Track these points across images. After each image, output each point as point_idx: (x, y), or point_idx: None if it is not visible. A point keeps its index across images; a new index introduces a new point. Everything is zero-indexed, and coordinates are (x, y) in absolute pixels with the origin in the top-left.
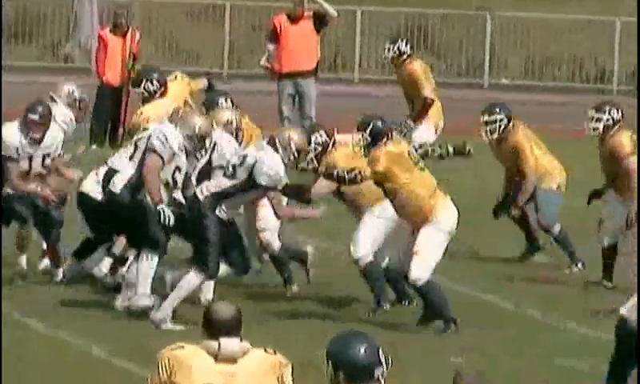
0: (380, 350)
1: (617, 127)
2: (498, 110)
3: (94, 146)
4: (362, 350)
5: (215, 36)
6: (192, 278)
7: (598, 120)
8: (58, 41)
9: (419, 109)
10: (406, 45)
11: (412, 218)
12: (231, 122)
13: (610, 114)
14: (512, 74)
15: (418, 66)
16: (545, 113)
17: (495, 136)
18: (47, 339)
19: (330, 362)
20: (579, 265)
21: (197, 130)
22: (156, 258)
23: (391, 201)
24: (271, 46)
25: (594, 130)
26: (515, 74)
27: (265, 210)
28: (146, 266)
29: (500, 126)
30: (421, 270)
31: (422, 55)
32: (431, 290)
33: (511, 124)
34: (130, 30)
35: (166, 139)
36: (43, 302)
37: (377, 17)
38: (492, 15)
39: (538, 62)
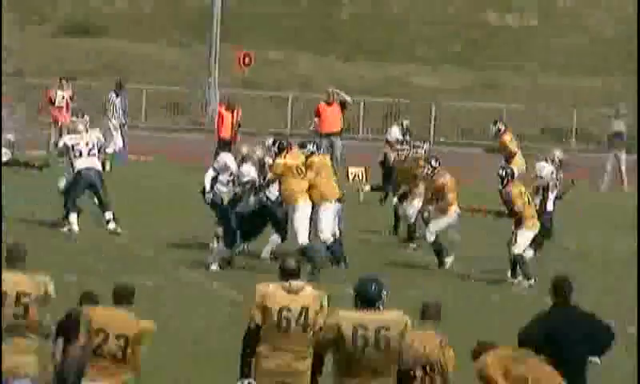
0: (383, 289)
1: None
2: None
3: None
4: (371, 287)
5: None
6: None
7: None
8: (195, 111)
9: None
10: None
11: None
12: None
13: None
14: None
15: None
16: None
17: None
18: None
19: (353, 291)
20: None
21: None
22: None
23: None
24: (316, 119)
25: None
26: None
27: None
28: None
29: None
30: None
31: None
32: (309, 248)
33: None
34: (236, 107)
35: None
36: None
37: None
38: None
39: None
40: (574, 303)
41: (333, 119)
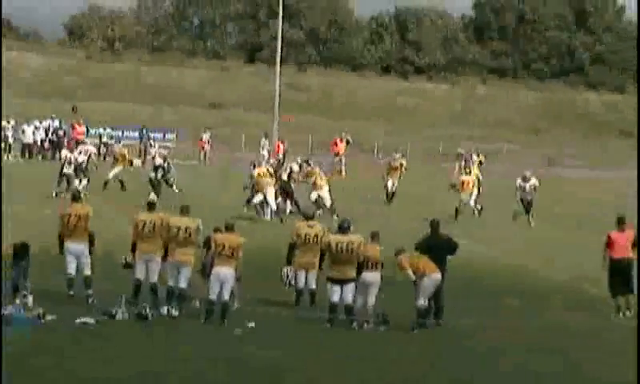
0: (351, 225)
1: None
2: None
3: None
4: (345, 223)
5: None
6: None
7: None
8: None
9: None
10: None
11: None
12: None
13: None
14: None
15: None
16: None
17: None
18: None
19: (338, 225)
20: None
21: None
22: None
23: None
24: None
25: None
26: None
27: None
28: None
29: None
30: None
31: None
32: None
33: None
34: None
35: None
36: None
37: None
38: None
39: None
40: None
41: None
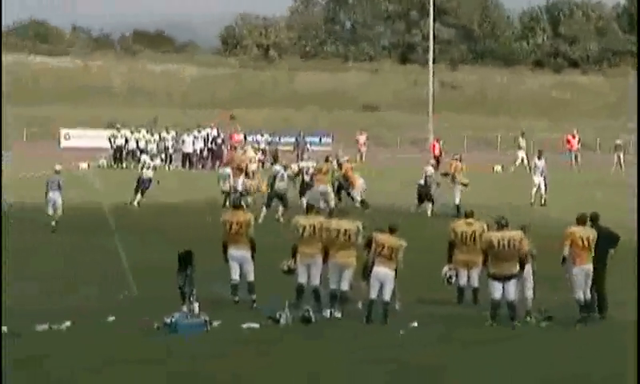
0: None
1: None
2: None
3: None
4: (502, 219)
5: None
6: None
7: None
8: None
9: None
10: None
11: None
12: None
13: None
14: None
15: None
16: None
17: None
18: None
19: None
20: None
21: None
22: None
23: None
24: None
25: None
26: None
27: None
28: None
29: None
30: None
31: None
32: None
33: None
34: None
35: None
36: None
37: None
38: None
39: None
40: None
41: None
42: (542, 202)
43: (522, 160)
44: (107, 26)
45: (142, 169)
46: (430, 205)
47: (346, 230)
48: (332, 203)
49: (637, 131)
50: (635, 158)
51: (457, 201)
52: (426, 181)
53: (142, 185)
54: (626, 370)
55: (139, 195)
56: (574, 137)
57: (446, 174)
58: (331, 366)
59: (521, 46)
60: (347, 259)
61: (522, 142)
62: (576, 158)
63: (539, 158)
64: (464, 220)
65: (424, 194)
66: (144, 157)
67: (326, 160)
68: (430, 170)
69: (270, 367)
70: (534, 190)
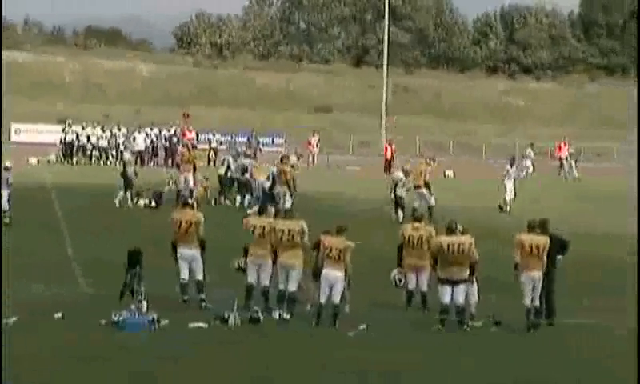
0: (457, 224)
1: None
2: None
3: None
4: (453, 223)
5: None
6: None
7: None
8: None
9: None
10: None
11: None
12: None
13: None
14: None
15: None
16: None
17: None
18: None
19: None
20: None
21: None
22: None
23: None
24: None
25: None
26: None
27: None
28: None
29: None
30: None
31: None
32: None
33: None
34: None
35: None
36: None
37: None
38: None
39: None
40: None
41: None
42: (508, 208)
43: (529, 169)
44: (60, 21)
45: (124, 167)
46: (401, 211)
47: (289, 231)
48: (288, 204)
49: (637, 140)
50: (622, 165)
51: (432, 202)
52: (396, 187)
53: (129, 182)
54: (578, 375)
55: (129, 193)
56: (565, 144)
57: (417, 187)
58: (278, 367)
59: (475, 52)
60: (292, 260)
61: (531, 153)
62: (561, 165)
63: (511, 165)
64: (412, 224)
65: (398, 201)
66: (127, 154)
67: (281, 160)
68: (400, 175)
69: (218, 367)
70: (508, 195)
